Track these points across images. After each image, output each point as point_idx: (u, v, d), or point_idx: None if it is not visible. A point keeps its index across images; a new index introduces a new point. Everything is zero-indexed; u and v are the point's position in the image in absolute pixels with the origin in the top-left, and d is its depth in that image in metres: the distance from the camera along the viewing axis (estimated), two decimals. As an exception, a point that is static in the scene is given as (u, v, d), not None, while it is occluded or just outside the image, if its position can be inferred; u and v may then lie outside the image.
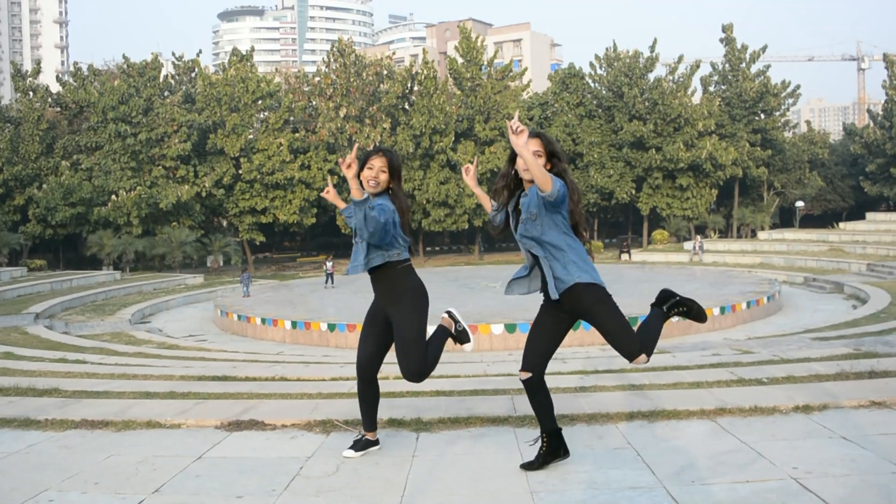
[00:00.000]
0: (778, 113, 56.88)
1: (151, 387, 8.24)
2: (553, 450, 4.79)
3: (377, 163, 4.89)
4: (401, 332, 4.94)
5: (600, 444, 5.29)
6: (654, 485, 4.43)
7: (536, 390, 4.74)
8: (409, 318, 4.97)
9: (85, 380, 9.17)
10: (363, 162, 4.92)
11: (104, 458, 5.31)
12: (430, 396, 7.05)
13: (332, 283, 31.17)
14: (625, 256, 47.12)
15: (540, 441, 4.82)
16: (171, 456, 5.32)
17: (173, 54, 55.51)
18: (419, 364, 4.93)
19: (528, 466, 4.75)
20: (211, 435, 5.86)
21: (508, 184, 4.67)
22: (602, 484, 4.48)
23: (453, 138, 52.77)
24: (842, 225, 47.65)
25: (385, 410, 6.28)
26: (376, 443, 5.26)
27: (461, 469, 4.83)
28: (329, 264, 32.13)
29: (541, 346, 4.71)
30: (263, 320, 22.47)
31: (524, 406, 4.89)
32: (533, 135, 4.44)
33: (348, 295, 27.09)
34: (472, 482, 4.61)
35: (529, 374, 4.70)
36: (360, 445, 5.16)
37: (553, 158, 4.51)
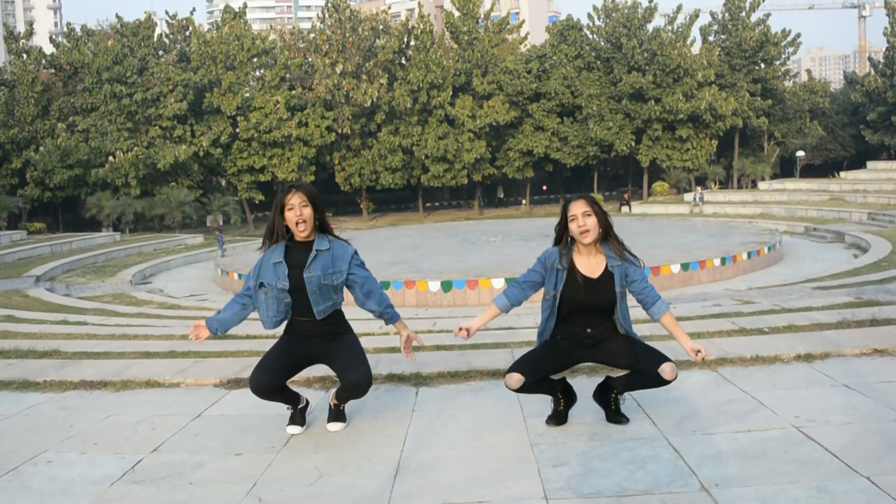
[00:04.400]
0: (778, 62, 56.44)
1: (151, 347, 8.24)
2: (570, 400, 4.79)
3: (296, 200, 4.59)
4: (353, 350, 4.79)
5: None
6: (655, 435, 4.41)
7: (529, 389, 4.60)
8: (356, 340, 4.87)
9: (85, 341, 9.17)
10: (280, 207, 4.64)
11: (103, 418, 5.30)
12: (430, 351, 7.04)
13: None
14: (625, 209, 47.06)
15: (555, 402, 4.74)
16: (170, 415, 5.32)
17: (167, 13, 55.06)
18: (369, 373, 4.79)
19: (557, 421, 4.69)
20: (210, 393, 5.85)
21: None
22: (603, 435, 4.47)
23: (451, 93, 52.49)
24: (843, 174, 47.40)
25: (385, 366, 6.28)
26: (307, 403, 5.06)
27: (461, 423, 4.82)
28: None
29: (544, 367, 4.59)
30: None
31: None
32: (577, 197, 4.51)
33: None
34: (472, 435, 4.60)
35: (523, 380, 4.49)
36: (299, 418, 4.95)
37: (602, 217, 4.49)
